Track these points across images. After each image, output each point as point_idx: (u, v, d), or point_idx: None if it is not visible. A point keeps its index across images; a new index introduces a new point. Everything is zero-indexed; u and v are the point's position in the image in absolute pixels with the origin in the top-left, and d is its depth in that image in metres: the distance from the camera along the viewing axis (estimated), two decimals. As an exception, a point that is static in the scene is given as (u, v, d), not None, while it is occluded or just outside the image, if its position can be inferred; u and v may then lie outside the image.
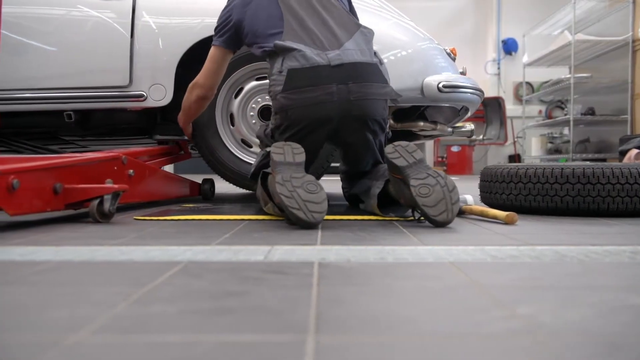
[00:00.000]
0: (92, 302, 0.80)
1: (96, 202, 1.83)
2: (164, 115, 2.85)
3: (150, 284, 0.91)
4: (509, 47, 10.02)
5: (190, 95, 2.37)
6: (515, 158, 9.84)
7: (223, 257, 1.17)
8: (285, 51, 2.03)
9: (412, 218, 1.92)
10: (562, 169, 2.07)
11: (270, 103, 2.64)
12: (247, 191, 4.12)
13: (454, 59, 2.99)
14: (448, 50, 2.95)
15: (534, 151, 8.37)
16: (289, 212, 1.66)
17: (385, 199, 2.06)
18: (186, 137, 2.85)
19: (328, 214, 2.06)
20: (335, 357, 0.58)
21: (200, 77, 2.32)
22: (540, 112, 9.67)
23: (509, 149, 9.94)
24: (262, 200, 2.12)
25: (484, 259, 1.15)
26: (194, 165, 3.73)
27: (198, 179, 3.03)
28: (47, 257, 1.17)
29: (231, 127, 2.74)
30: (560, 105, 9.22)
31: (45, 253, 1.21)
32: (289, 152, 1.85)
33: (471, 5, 10.38)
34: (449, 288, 0.89)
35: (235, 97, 2.72)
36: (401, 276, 0.99)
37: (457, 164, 9.43)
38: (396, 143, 1.92)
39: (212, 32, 2.58)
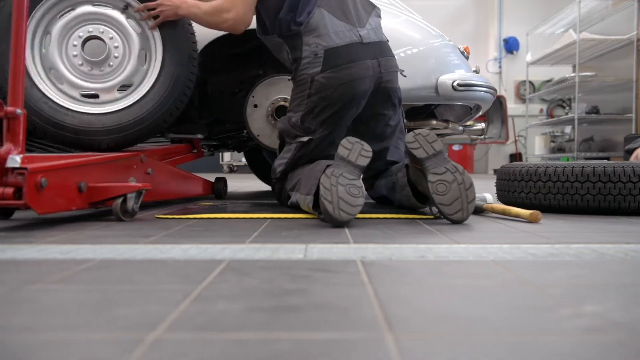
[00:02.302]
0: (154, 300, 0.80)
1: (120, 200, 1.83)
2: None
3: (203, 282, 0.91)
4: (510, 45, 10.05)
5: (220, 17, 2.23)
6: (516, 157, 9.86)
7: (262, 256, 1.17)
8: (316, 31, 2.11)
9: (432, 216, 1.93)
10: (583, 167, 2.08)
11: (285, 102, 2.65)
12: (256, 190, 4.13)
13: (467, 58, 3.00)
14: (462, 49, 2.95)
15: (537, 150, 8.38)
16: (320, 202, 1.67)
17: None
18: (200, 136, 2.85)
19: (360, 212, 2.06)
20: (421, 354, 0.58)
21: (242, 16, 2.23)
22: (541, 110, 9.70)
23: (510, 148, 9.96)
24: (304, 188, 2.09)
25: (525, 257, 1.15)
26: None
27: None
28: (87, 255, 1.16)
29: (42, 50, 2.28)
30: (562, 104, 9.23)
31: (84, 251, 1.21)
32: (355, 151, 1.81)
33: (472, 4, 10.39)
34: (504, 286, 0.89)
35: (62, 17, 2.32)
36: (450, 274, 1.00)
37: (459, 163, 9.43)
38: (417, 131, 1.90)
39: (223, 34, 2.57)
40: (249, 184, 5.22)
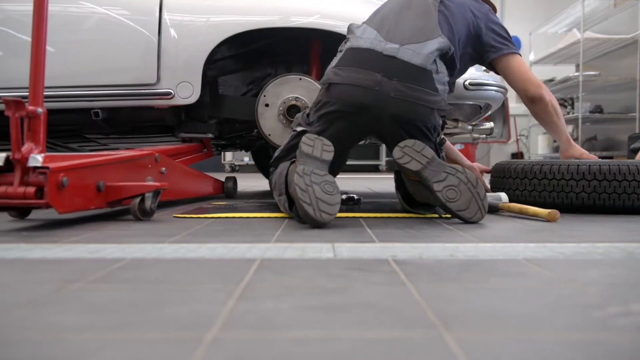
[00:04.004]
0: (199, 299, 0.80)
1: (138, 199, 1.82)
2: (187, 113, 2.84)
3: (241, 281, 0.91)
4: (512, 45, 10.03)
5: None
6: (518, 156, 9.86)
7: (292, 255, 1.17)
8: (350, 33, 2.10)
9: (446, 216, 1.92)
10: (578, 165, 2.08)
11: (295, 102, 2.64)
12: (263, 189, 4.12)
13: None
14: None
15: (540, 149, 8.38)
16: (299, 205, 1.63)
17: (407, 196, 2.07)
18: (211, 135, 2.85)
19: (372, 211, 2.07)
20: (486, 353, 0.58)
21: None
22: (542, 110, 9.69)
23: (511, 147, 9.96)
24: (277, 190, 2.08)
25: (555, 256, 1.15)
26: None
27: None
28: (116, 254, 1.16)
29: None
30: (563, 103, 9.24)
31: (112, 250, 1.21)
32: (318, 147, 1.81)
33: (474, 3, 10.38)
34: (545, 285, 0.89)
35: None
36: (487, 273, 1.00)
37: (460, 162, 9.44)
38: (401, 144, 1.84)
39: (239, 30, 2.58)
40: (254, 183, 5.22)
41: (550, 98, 2.24)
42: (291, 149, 2.10)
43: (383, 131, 2.02)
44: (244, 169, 10.03)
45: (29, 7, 2.61)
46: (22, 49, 2.56)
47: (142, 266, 1.05)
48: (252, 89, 3.07)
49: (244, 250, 1.23)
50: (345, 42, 2.10)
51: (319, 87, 2.64)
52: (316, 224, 1.63)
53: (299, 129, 2.10)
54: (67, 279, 0.92)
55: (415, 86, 1.93)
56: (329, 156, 1.82)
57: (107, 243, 1.32)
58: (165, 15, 2.59)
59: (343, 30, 2.56)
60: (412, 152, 1.82)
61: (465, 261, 1.11)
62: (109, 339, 0.62)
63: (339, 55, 2.08)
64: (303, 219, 1.66)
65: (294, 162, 1.91)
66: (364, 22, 2.14)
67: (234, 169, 10.00)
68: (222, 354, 0.57)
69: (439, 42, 1.99)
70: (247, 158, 9.74)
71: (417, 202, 2.04)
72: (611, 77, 6.85)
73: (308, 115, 2.13)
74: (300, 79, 2.67)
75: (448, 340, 0.62)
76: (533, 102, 2.22)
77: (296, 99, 2.65)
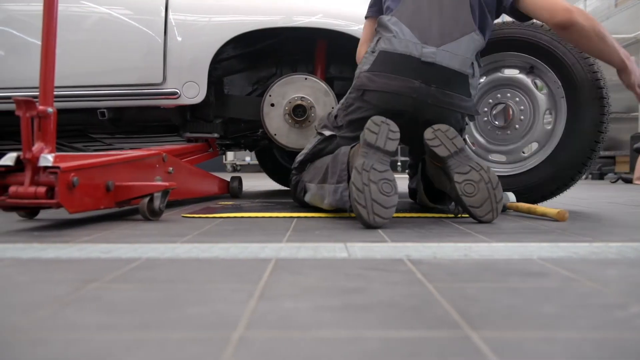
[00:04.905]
0: (219, 299, 0.80)
1: (146, 199, 1.82)
2: (193, 113, 2.84)
3: (259, 281, 0.91)
4: (513, 45, 10.03)
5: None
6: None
7: (306, 255, 1.17)
8: (382, 30, 2.02)
9: (460, 215, 1.92)
10: None
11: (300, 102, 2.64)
12: (267, 189, 4.13)
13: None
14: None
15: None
16: (353, 205, 1.62)
17: (428, 187, 2.07)
18: (216, 135, 2.84)
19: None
20: (515, 352, 0.58)
21: None
22: (544, 109, 9.70)
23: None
24: (297, 190, 2.08)
25: (570, 256, 1.15)
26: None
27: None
28: (130, 254, 1.16)
29: None
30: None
31: (125, 250, 1.21)
32: (383, 134, 1.72)
33: (475, 3, 10.38)
34: (565, 284, 0.89)
35: None
36: (504, 272, 0.99)
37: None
38: (435, 127, 1.85)
39: (244, 30, 2.58)
40: (256, 183, 5.22)
41: (586, 20, 1.98)
42: (317, 153, 2.09)
43: (412, 134, 2.00)
44: (245, 168, 10.03)
45: (30, 7, 2.62)
46: (23, 49, 2.57)
47: (157, 266, 1.04)
48: (258, 89, 3.08)
49: (257, 250, 1.23)
50: (378, 40, 2.02)
51: (325, 87, 2.65)
52: (368, 227, 1.61)
53: (327, 133, 2.08)
54: (84, 279, 0.92)
55: (451, 92, 1.94)
56: (393, 146, 1.73)
57: (119, 243, 1.32)
58: (170, 15, 2.60)
59: (348, 30, 2.57)
60: (444, 138, 1.82)
61: (481, 261, 1.10)
62: (136, 338, 0.62)
63: (371, 58, 2.00)
64: (357, 217, 1.64)
65: (354, 146, 1.84)
66: (393, 15, 2.02)
67: (235, 168, 10.01)
68: (251, 353, 0.57)
69: (474, 40, 1.98)
70: (248, 158, 9.75)
71: (435, 197, 2.04)
72: (613, 76, 6.83)
73: (335, 117, 2.09)
74: (306, 78, 2.68)
75: (476, 340, 0.61)
76: (565, 29, 1.99)
77: (302, 98, 2.66)
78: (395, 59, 1.93)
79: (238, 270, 1.01)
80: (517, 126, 2.48)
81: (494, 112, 2.51)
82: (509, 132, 2.50)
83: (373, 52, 1.99)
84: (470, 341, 0.61)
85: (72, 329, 0.65)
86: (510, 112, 2.48)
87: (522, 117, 2.48)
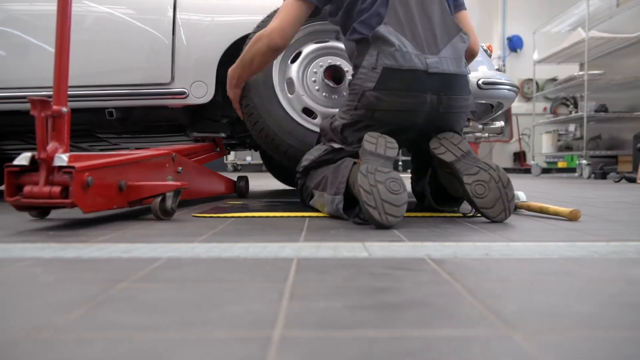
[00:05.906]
0: (252, 298, 0.80)
1: (159, 199, 1.82)
2: (200, 113, 2.84)
3: (286, 280, 0.91)
4: (514, 44, 10.07)
5: (257, 45, 2.06)
6: (520, 155, 9.87)
7: (326, 254, 1.17)
8: (381, 43, 1.89)
9: (470, 214, 1.92)
10: None
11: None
12: (272, 189, 4.12)
13: (489, 56, 3.00)
14: (485, 47, 2.96)
15: (544, 148, 8.38)
16: (364, 209, 1.60)
17: (437, 192, 2.06)
18: (223, 135, 2.84)
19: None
20: (559, 351, 0.58)
21: (275, 26, 2.01)
22: (545, 109, 9.72)
23: (514, 147, 9.98)
24: (304, 194, 2.09)
25: (590, 255, 1.15)
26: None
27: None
28: (150, 254, 1.16)
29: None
30: (565, 102, 9.24)
31: (145, 250, 1.21)
32: (381, 144, 1.78)
33: (476, 2, 10.40)
34: (593, 284, 0.89)
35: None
36: (529, 272, 0.99)
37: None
38: (440, 135, 1.90)
39: (252, 30, 2.58)
40: (260, 182, 5.22)
41: None
42: (323, 163, 2.04)
43: (420, 144, 2.02)
44: (246, 168, 10.03)
45: (34, 7, 2.62)
46: (25, 49, 2.57)
47: (181, 265, 1.04)
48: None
49: (276, 249, 1.23)
50: (377, 54, 1.89)
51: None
52: (381, 227, 1.59)
53: (336, 146, 2.03)
54: (111, 278, 0.92)
55: (457, 96, 1.96)
56: (393, 153, 1.78)
57: (137, 242, 1.32)
58: (178, 15, 2.59)
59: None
60: (449, 144, 1.87)
61: (503, 260, 1.11)
62: (177, 338, 0.62)
63: (373, 75, 1.88)
64: (368, 220, 1.62)
65: (355, 163, 1.84)
66: (384, 22, 1.91)
67: (236, 168, 10.00)
68: (296, 353, 0.57)
69: (462, 40, 2.01)
70: (249, 157, 9.75)
71: (443, 200, 2.04)
72: (616, 76, 6.86)
73: (341, 131, 2.01)
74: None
75: (517, 338, 0.61)
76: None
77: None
78: (403, 75, 1.87)
79: (263, 269, 1.01)
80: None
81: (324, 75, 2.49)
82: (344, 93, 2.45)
83: (374, 68, 1.88)
84: (512, 340, 0.61)
85: (113, 329, 0.65)
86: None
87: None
